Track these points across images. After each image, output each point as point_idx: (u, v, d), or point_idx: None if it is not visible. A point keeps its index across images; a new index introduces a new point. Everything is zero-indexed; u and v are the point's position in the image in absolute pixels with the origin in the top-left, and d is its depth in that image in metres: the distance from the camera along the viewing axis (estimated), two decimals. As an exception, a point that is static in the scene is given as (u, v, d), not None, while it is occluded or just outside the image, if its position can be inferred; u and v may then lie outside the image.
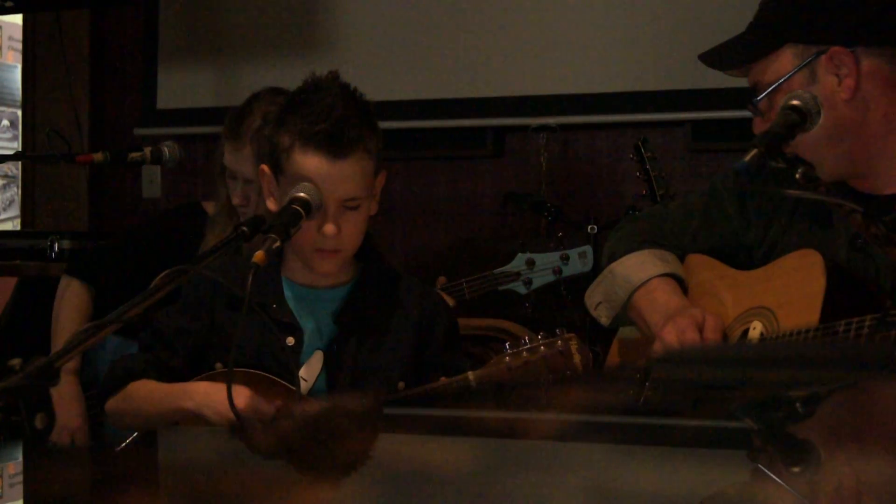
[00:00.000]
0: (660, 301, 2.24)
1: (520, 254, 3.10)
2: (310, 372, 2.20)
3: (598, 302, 2.37)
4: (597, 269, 2.53)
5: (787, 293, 2.10)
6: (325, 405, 1.95)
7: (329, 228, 2.13)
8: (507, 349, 2.16)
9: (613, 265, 2.35)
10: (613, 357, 2.45)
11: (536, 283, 3.09)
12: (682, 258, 2.33)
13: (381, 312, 2.25)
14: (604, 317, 2.36)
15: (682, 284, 2.29)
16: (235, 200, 2.79)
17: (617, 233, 2.43)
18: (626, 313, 2.33)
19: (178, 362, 2.23)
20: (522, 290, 3.10)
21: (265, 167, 2.20)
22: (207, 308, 2.24)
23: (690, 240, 2.34)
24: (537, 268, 3.08)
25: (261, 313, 2.07)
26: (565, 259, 3.08)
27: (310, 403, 2.13)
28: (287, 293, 2.23)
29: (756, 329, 2.12)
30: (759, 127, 2.16)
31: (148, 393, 2.20)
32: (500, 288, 3.09)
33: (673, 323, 2.13)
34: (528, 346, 2.15)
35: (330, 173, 2.12)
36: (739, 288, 2.22)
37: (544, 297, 3.31)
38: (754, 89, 2.18)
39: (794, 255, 2.13)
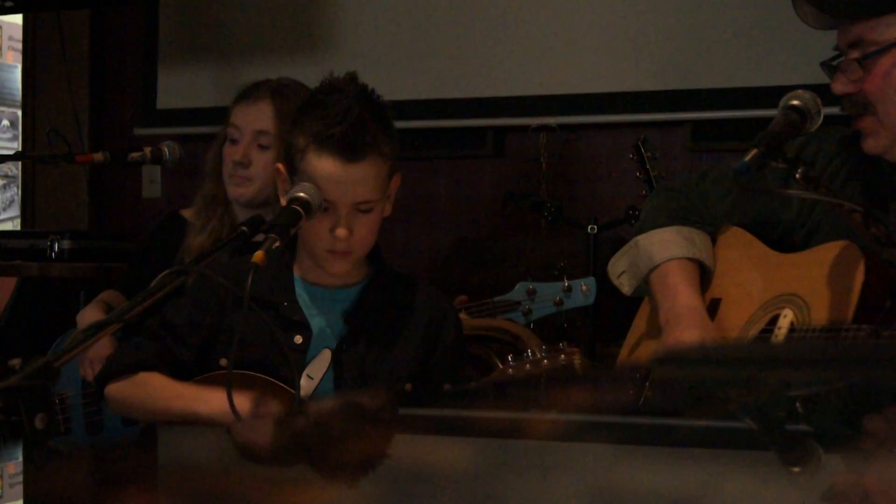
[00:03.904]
0: (671, 289, 2.25)
1: (521, 282, 3.00)
2: (316, 370, 2.20)
3: (622, 271, 2.38)
4: (598, 304, 2.52)
5: (823, 284, 2.08)
6: (338, 403, 1.95)
7: (341, 232, 2.14)
8: (510, 361, 2.19)
9: (640, 238, 2.35)
10: (641, 319, 2.45)
11: (536, 313, 2.98)
12: (715, 234, 2.32)
13: (392, 314, 2.25)
14: (626, 286, 2.38)
15: (704, 268, 2.28)
16: (237, 157, 2.77)
17: (652, 201, 2.43)
18: (645, 287, 2.35)
19: (188, 355, 2.23)
20: (522, 320, 3.00)
21: (280, 166, 2.21)
22: (217, 303, 2.24)
23: (725, 213, 2.32)
24: (538, 298, 2.99)
25: (260, 313, 2.07)
26: (568, 290, 2.98)
27: (322, 402, 2.13)
28: (299, 291, 2.24)
29: (787, 317, 2.11)
30: (840, 86, 2.12)
31: (159, 387, 2.19)
32: (499, 317, 3.01)
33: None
34: (532, 358, 2.17)
35: (343, 176, 2.12)
36: (772, 270, 2.20)
37: (543, 328, 3.21)
38: (854, 44, 2.12)
39: (835, 246, 2.11)
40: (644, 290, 2.35)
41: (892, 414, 1.12)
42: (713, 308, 2.27)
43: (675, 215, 2.33)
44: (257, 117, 2.77)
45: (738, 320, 2.20)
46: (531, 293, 2.98)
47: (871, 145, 2.14)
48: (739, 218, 2.31)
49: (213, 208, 2.86)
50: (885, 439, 1.00)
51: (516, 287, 3.00)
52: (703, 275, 2.30)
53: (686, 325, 2.19)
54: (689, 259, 2.27)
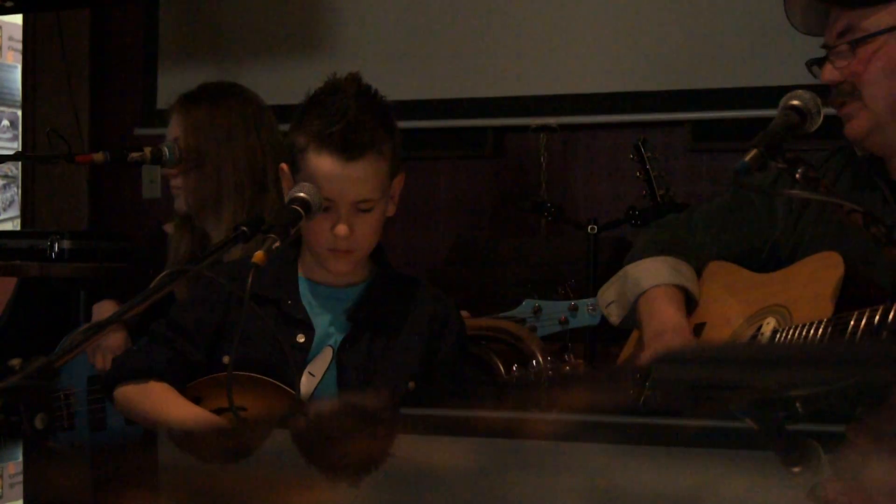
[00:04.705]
0: (657, 310, 2.28)
1: (527, 300, 2.99)
2: (318, 368, 2.21)
3: (611, 301, 2.40)
4: (605, 322, 2.52)
5: (803, 291, 2.11)
6: (340, 403, 1.95)
7: (341, 229, 2.15)
8: (514, 372, 2.20)
9: (628, 267, 2.38)
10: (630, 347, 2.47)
11: (541, 332, 2.95)
12: (702, 268, 2.35)
13: (395, 313, 2.26)
14: (614, 315, 2.40)
15: (690, 296, 2.31)
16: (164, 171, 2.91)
17: (642, 235, 2.47)
18: (633, 315, 2.36)
19: (199, 357, 2.24)
20: None
21: (284, 166, 2.23)
22: (222, 301, 2.25)
23: (712, 243, 2.35)
24: (544, 316, 2.97)
25: (260, 312, 2.07)
26: (574, 310, 2.95)
27: (324, 402, 2.14)
28: (302, 290, 2.25)
29: (769, 324, 2.13)
30: (829, 74, 2.15)
31: (168, 403, 2.21)
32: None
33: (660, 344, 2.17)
34: (536, 369, 2.18)
35: (342, 175, 2.13)
36: (755, 289, 2.23)
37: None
38: (844, 33, 2.14)
39: (817, 257, 2.14)
40: (632, 318, 2.37)
41: (873, 420, 1.12)
42: (697, 331, 2.29)
43: (663, 247, 2.37)
44: (171, 128, 2.88)
45: (723, 336, 2.22)
46: (537, 311, 2.97)
47: (852, 128, 2.16)
48: (726, 247, 2.34)
49: (186, 223, 2.89)
50: (867, 446, 1.01)
51: (522, 304, 2.99)
52: (689, 303, 2.33)
53: (668, 340, 2.20)
54: (676, 286, 2.30)
